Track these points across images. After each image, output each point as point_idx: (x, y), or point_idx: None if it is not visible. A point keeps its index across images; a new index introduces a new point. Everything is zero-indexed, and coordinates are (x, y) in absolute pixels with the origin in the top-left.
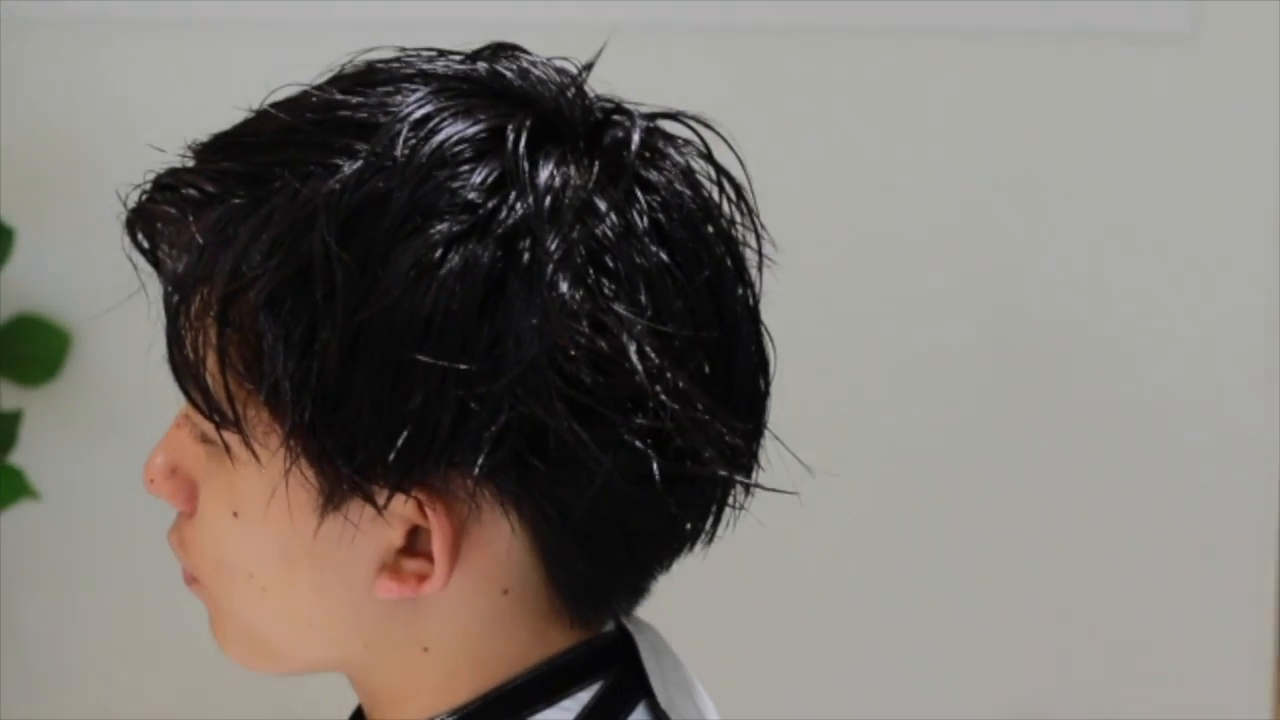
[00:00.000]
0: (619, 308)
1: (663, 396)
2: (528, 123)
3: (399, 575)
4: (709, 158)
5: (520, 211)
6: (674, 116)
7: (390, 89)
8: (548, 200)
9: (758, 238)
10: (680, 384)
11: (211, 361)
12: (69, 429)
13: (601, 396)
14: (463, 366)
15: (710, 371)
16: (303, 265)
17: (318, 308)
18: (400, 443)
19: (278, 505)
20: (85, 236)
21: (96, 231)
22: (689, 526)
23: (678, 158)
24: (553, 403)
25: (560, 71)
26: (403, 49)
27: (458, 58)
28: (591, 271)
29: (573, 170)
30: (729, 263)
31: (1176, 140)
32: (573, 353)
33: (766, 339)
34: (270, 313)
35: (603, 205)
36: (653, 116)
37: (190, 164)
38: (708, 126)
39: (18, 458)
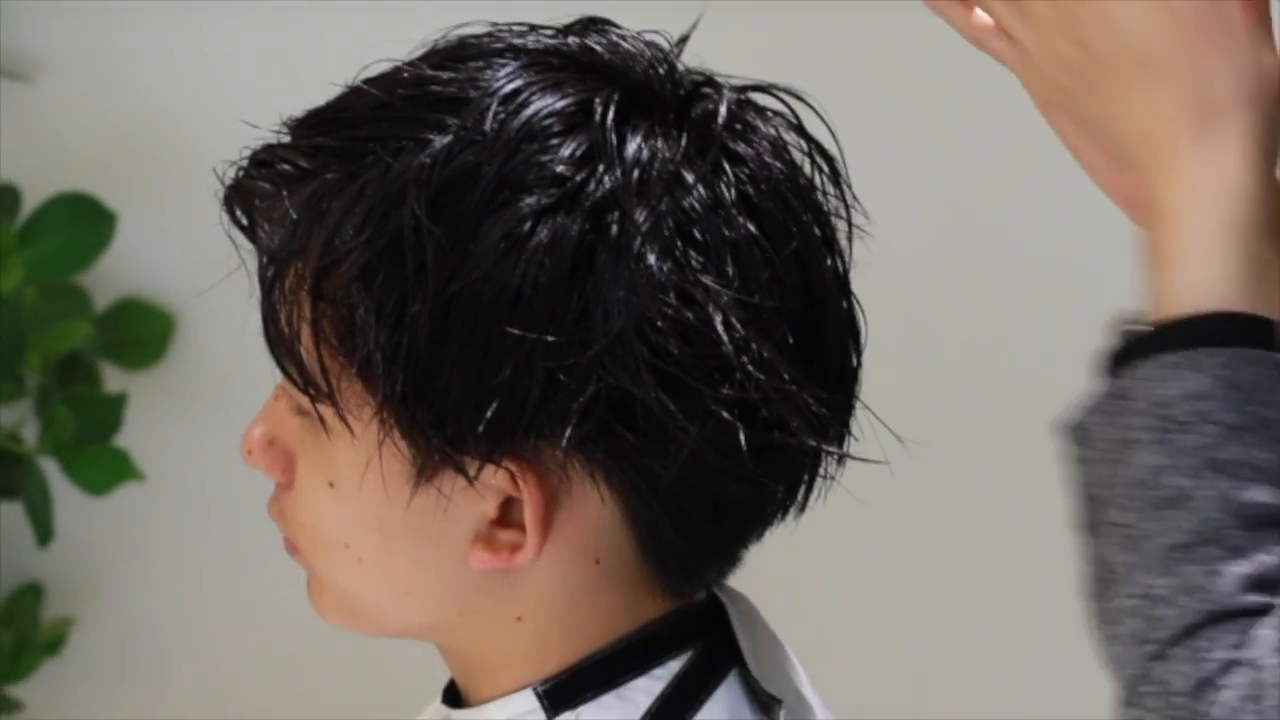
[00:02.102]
0: (706, 279)
1: (749, 367)
2: (616, 96)
3: (492, 546)
4: (800, 129)
5: (608, 184)
6: (765, 89)
7: (481, 64)
8: (635, 173)
9: (848, 209)
10: (766, 354)
11: (306, 335)
12: (174, 411)
13: (688, 367)
14: (551, 338)
15: (797, 342)
16: (394, 239)
17: (409, 281)
18: (490, 414)
19: (372, 477)
20: (187, 219)
21: (198, 214)
22: (778, 496)
23: (767, 130)
24: (640, 373)
25: (651, 45)
26: (494, 24)
27: (549, 32)
28: (679, 243)
29: (661, 143)
30: (817, 233)
31: None
32: (660, 324)
33: (857, 310)
34: (363, 286)
35: (690, 177)
36: (743, 89)
37: (286, 140)
38: (799, 98)
39: (123, 440)
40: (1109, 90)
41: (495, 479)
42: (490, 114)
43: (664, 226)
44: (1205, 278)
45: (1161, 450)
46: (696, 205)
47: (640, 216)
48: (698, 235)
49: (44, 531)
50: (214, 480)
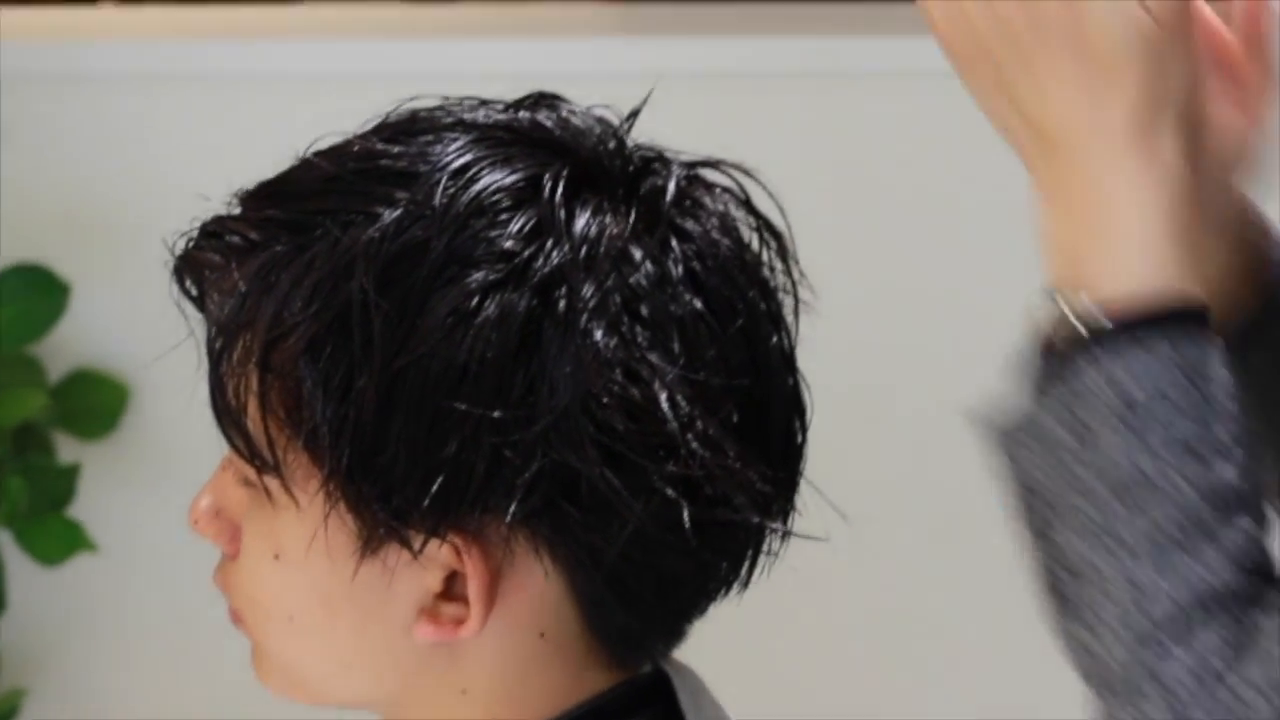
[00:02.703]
0: (652, 356)
1: (694, 444)
2: (565, 171)
3: (436, 619)
4: (748, 205)
5: (556, 260)
6: (713, 165)
7: (431, 138)
8: (583, 249)
9: (794, 285)
10: (711, 431)
11: (253, 407)
12: (127, 482)
13: (633, 444)
14: (497, 414)
15: (742, 419)
16: (341, 312)
17: (356, 354)
18: (435, 489)
19: (317, 549)
20: (140, 290)
21: (150, 285)
22: (723, 572)
23: (715, 205)
24: (585, 449)
25: (600, 120)
26: (446, 98)
27: (499, 106)
28: (625, 320)
29: (609, 219)
30: (764, 310)
31: None
32: (605, 400)
33: (803, 386)
34: (310, 359)
35: (638, 254)
36: (692, 165)
37: (236, 212)
38: (747, 174)
39: (76, 510)
40: (1046, 64)
41: (440, 553)
42: (439, 189)
43: (610, 303)
44: (1149, 266)
45: (1129, 437)
46: (643, 281)
47: (587, 292)
48: (644, 312)
49: None
50: (166, 551)
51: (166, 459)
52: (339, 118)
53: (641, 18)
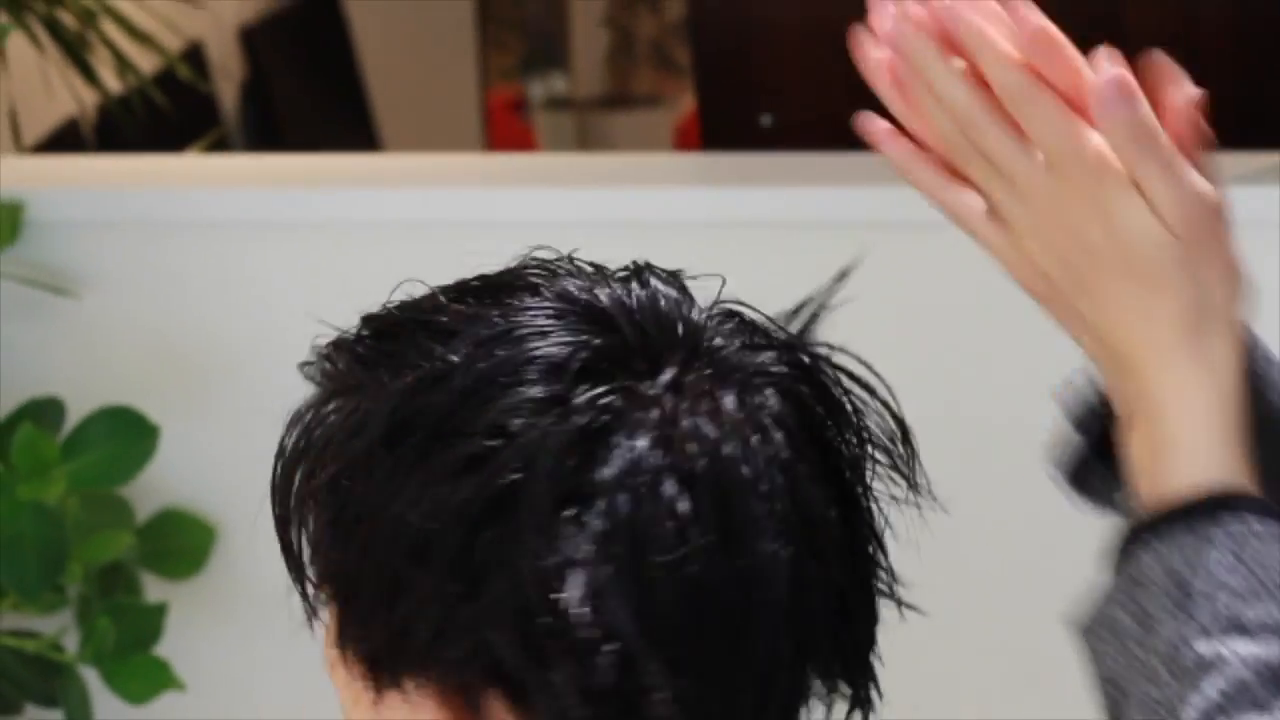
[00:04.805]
0: (591, 558)
1: (606, 660)
2: (589, 349)
3: None
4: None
5: (540, 442)
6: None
7: (490, 300)
8: (569, 432)
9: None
10: (643, 646)
11: (298, 537)
12: (213, 621)
13: (554, 645)
14: (449, 590)
15: (698, 640)
16: (353, 462)
17: (359, 504)
18: (393, 646)
19: (342, 684)
20: (227, 432)
21: (238, 426)
22: None
23: (735, 412)
24: (515, 644)
25: (676, 301)
26: (560, 256)
27: (588, 272)
28: (577, 514)
29: (611, 401)
30: (765, 520)
31: None
32: (537, 596)
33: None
34: (327, 499)
35: (620, 446)
36: (783, 354)
37: (329, 349)
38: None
39: (163, 649)
40: (1102, 288)
41: (427, 702)
42: (468, 352)
43: (571, 493)
44: (1205, 462)
45: (1184, 620)
46: (614, 475)
47: (553, 481)
48: (594, 516)
49: None
50: (253, 690)
51: (252, 599)
52: (421, 264)
53: (722, 167)
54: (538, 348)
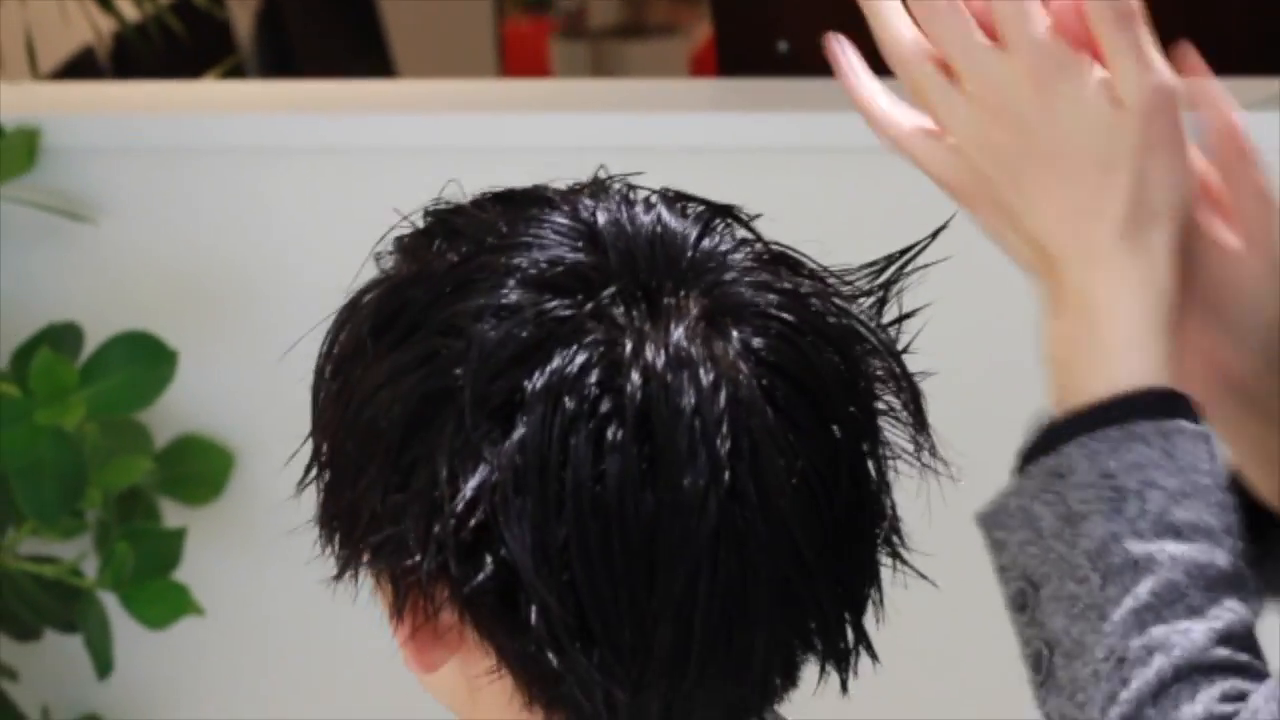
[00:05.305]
0: (501, 460)
1: (508, 557)
2: (569, 262)
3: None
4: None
5: (483, 343)
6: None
7: (504, 210)
8: (513, 334)
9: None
10: (535, 553)
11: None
12: (232, 546)
13: (450, 550)
14: (386, 479)
15: (597, 558)
16: (346, 347)
17: (341, 388)
18: (344, 525)
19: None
20: (245, 357)
21: (256, 352)
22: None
23: (696, 344)
24: (419, 538)
25: (682, 235)
26: (604, 172)
27: (613, 194)
28: (502, 414)
29: (566, 313)
30: (692, 450)
31: None
32: (443, 498)
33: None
34: (330, 384)
35: (560, 354)
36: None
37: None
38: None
39: (182, 575)
40: (1036, 182)
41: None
42: (457, 256)
43: (508, 396)
44: (1135, 362)
45: (1115, 518)
46: (547, 384)
47: (488, 383)
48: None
49: (103, 664)
50: (272, 614)
51: (271, 524)
52: (436, 190)
53: (738, 92)
54: (523, 258)
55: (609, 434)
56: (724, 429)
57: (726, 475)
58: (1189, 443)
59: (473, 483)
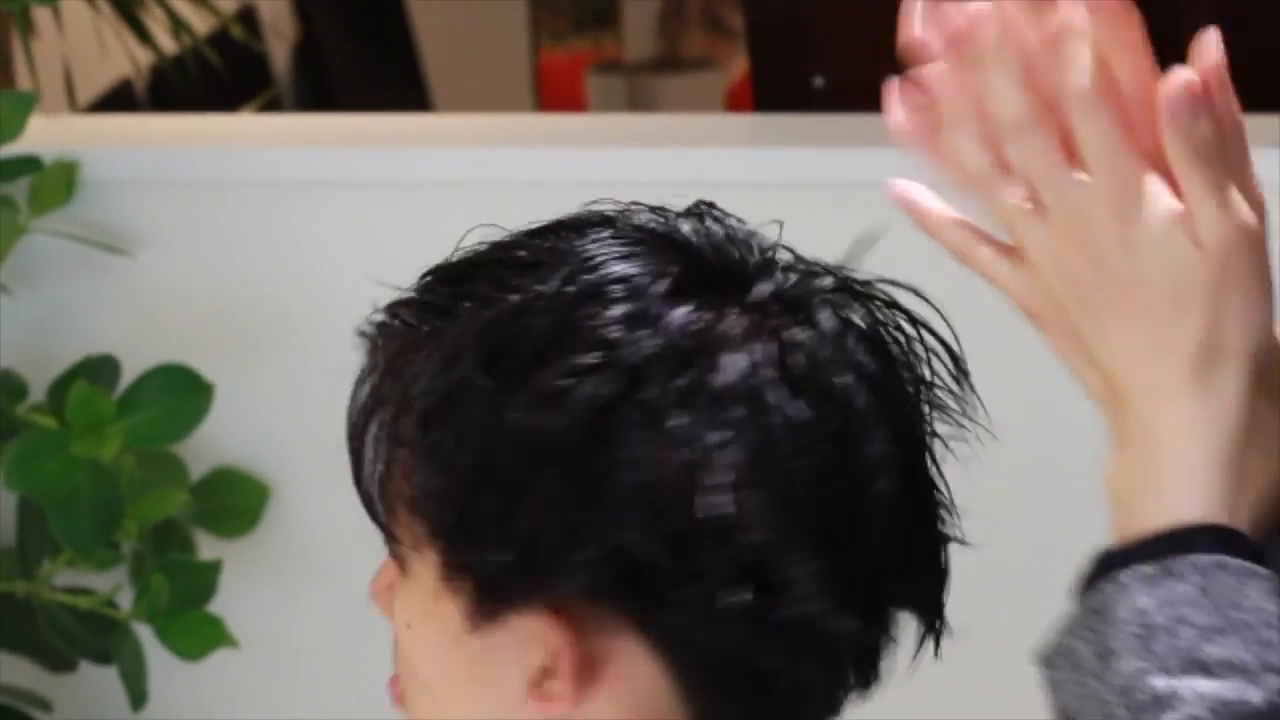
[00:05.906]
0: (721, 453)
1: (755, 538)
2: (679, 270)
3: (541, 695)
4: (911, 321)
5: (645, 351)
6: (856, 282)
7: (574, 234)
8: (674, 342)
9: (928, 409)
10: (774, 529)
11: (382, 479)
12: (267, 579)
13: (694, 534)
14: (573, 493)
15: (828, 524)
16: (450, 390)
17: (460, 430)
18: (514, 560)
19: (433, 620)
20: (282, 390)
21: (292, 385)
22: (820, 677)
23: (829, 322)
24: (651, 538)
25: (750, 233)
26: (618, 204)
27: (650, 209)
28: (698, 414)
29: (710, 316)
30: (873, 419)
31: None
32: (668, 489)
33: (937, 492)
34: (421, 432)
35: (729, 354)
36: (842, 282)
37: (406, 296)
38: (911, 290)
39: (217, 607)
40: (1110, 314)
41: (538, 629)
42: (557, 278)
43: (687, 396)
44: (1191, 500)
45: (1144, 655)
46: (730, 379)
47: (666, 384)
48: (721, 408)
49: (138, 696)
50: (306, 647)
51: (306, 556)
52: (471, 225)
53: (774, 128)
54: (621, 270)
55: (794, 413)
56: (876, 395)
57: (897, 439)
58: (1231, 579)
59: (718, 474)
